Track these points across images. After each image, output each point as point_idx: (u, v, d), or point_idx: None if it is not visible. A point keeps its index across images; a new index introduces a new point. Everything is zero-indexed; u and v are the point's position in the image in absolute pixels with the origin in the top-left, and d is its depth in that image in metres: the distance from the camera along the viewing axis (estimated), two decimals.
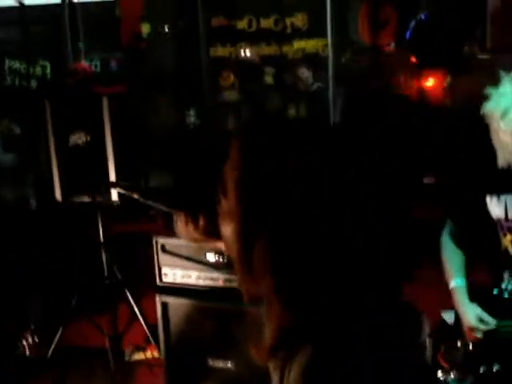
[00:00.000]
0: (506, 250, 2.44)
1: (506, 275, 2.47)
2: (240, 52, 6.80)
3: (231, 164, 1.08)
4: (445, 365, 2.53)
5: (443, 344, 2.58)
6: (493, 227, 2.46)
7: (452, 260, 2.60)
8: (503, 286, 2.48)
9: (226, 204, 1.08)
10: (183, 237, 1.68)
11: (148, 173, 4.39)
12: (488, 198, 2.43)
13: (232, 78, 6.83)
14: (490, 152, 2.35)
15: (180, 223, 1.62)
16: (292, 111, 6.73)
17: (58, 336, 3.91)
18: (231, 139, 1.12)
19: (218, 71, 6.76)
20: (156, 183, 5.32)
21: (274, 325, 1.08)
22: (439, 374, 2.55)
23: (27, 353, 2.89)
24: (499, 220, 2.42)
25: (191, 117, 6.36)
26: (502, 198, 2.39)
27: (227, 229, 1.10)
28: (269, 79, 6.76)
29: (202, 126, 6.24)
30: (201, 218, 1.50)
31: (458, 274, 2.54)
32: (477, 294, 2.51)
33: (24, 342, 2.68)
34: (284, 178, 1.02)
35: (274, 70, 6.76)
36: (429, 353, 2.66)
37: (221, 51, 6.77)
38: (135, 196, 1.83)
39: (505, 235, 2.43)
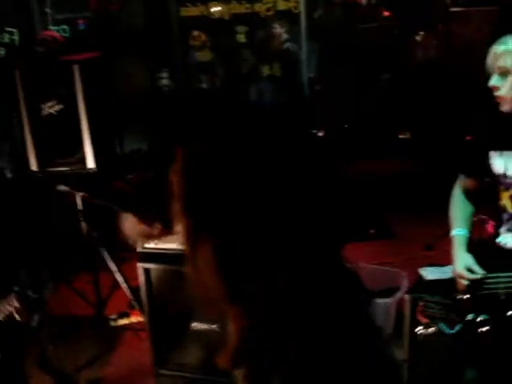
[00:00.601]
0: (504, 206, 2.50)
1: (502, 230, 2.53)
2: (211, 11, 6.70)
3: (176, 172, 1.13)
4: (424, 320, 2.59)
5: (421, 300, 2.63)
6: (494, 183, 2.52)
7: (459, 210, 2.64)
8: (499, 239, 2.54)
9: (176, 206, 1.10)
10: (129, 234, 1.70)
11: (123, 138, 4.36)
12: (491, 153, 2.48)
13: (203, 37, 6.74)
14: (489, 109, 2.40)
15: (128, 222, 1.64)
16: (266, 69, 6.69)
17: (44, 302, 3.94)
18: (176, 148, 1.15)
19: (189, 31, 6.66)
20: (131, 148, 5.29)
21: (236, 327, 1.12)
22: (419, 328, 2.62)
23: (17, 317, 2.88)
24: (499, 176, 2.47)
25: (164, 79, 6.29)
26: (504, 154, 2.44)
27: (180, 227, 1.15)
28: (241, 38, 6.68)
29: (175, 87, 6.17)
30: (156, 222, 1.51)
31: (461, 224, 2.59)
32: (474, 245, 2.56)
33: (9, 307, 2.69)
34: (220, 182, 1.07)
35: (246, 28, 6.68)
36: (408, 309, 2.73)
37: (192, 11, 6.66)
38: (81, 196, 1.84)
39: (503, 191, 2.48)
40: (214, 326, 3.28)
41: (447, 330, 2.52)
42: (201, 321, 3.32)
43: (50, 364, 3.66)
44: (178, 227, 1.15)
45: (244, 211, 1.02)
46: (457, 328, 2.48)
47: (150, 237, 1.66)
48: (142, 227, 1.55)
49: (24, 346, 2.99)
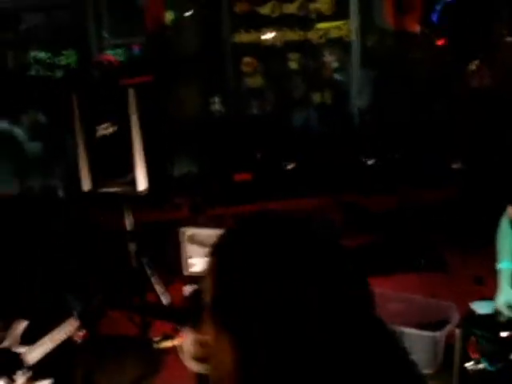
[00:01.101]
0: None
1: None
2: (263, 38, 6.76)
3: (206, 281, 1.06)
4: (475, 355, 2.52)
5: (473, 334, 2.56)
6: None
7: (507, 242, 2.58)
8: None
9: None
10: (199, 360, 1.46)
11: (174, 162, 4.41)
12: None
13: (255, 63, 6.80)
14: None
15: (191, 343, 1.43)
16: (316, 97, 6.70)
17: (96, 324, 3.97)
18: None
19: (242, 57, 6.74)
20: (182, 172, 5.34)
21: None
22: (469, 364, 2.54)
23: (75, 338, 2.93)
24: None
25: (216, 104, 6.36)
26: None
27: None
28: (293, 65, 6.72)
29: (227, 113, 6.23)
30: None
31: (508, 256, 2.52)
32: None
33: (70, 328, 2.76)
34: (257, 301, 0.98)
35: (298, 55, 6.72)
36: (458, 343, 2.65)
37: (244, 37, 6.74)
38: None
39: None
40: None
41: (489, 367, 2.44)
42: None
43: (92, 381, 3.69)
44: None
45: (276, 318, 0.98)
46: (499, 366, 2.40)
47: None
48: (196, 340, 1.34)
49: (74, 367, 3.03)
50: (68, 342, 2.75)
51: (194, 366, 1.44)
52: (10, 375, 2.75)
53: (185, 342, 1.46)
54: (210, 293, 1.04)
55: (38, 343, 2.70)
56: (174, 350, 4.11)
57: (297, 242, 1.02)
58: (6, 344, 2.77)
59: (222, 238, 1.07)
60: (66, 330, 2.64)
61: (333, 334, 0.97)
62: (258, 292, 0.97)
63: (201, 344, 1.15)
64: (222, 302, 1.01)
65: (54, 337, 2.68)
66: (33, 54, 6.35)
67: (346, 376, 0.97)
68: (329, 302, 0.97)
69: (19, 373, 2.74)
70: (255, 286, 0.98)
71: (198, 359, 1.30)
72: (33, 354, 2.71)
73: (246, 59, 6.77)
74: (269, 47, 6.75)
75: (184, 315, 1.43)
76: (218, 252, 1.06)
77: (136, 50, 6.43)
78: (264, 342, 0.96)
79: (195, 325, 1.31)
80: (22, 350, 2.74)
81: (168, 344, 4.17)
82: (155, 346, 4.16)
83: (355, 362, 0.98)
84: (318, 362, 0.96)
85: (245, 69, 6.75)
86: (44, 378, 2.73)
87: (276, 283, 0.97)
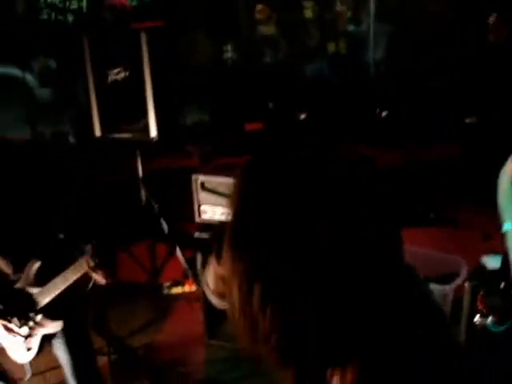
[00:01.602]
0: None
1: None
2: None
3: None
4: (483, 309, 2.52)
5: (482, 288, 2.56)
6: None
7: (508, 202, 2.53)
8: None
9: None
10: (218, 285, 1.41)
11: (185, 108, 4.37)
12: None
13: (268, 11, 6.67)
14: None
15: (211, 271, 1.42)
16: (331, 47, 6.58)
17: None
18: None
19: (255, 4, 6.61)
20: (193, 120, 5.31)
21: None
22: (477, 318, 2.55)
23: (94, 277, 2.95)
24: None
25: (228, 52, 6.27)
26: None
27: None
28: (308, 13, 6.58)
29: (239, 61, 6.14)
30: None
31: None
32: None
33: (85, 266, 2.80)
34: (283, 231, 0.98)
35: (312, 3, 6.58)
36: (467, 297, 2.66)
37: None
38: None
39: None
40: None
41: (493, 329, 2.45)
42: None
43: (104, 326, 3.75)
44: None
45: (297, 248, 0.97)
46: (506, 324, 2.41)
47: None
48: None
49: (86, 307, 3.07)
50: (80, 285, 2.77)
51: (216, 302, 1.44)
52: (22, 315, 2.79)
53: (208, 276, 1.45)
54: (230, 221, 1.03)
55: (50, 284, 2.72)
56: (183, 295, 4.18)
57: (316, 177, 1.02)
58: (19, 285, 2.80)
59: (246, 166, 1.07)
60: (77, 271, 2.66)
61: (340, 271, 0.97)
62: (271, 221, 0.97)
63: (222, 279, 1.16)
64: (239, 229, 1.01)
65: (66, 278, 2.70)
66: None
67: (346, 311, 0.98)
68: (339, 239, 0.97)
69: (31, 313, 2.78)
70: (270, 215, 0.98)
71: (219, 295, 1.32)
72: (45, 295, 2.74)
73: (260, 6, 6.64)
74: None
75: (209, 246, 1.40)
76: (240, 179, 1.05)
77: None
78: (273, 273, 0.96)
79: (219, 257, 1.32)
80: (34, 290, 2.77)
81: (178, 290, 4.22)
82: (165, 291, 4.22)
83: (360, 298, 0.98)
84: (325, 295, 0.97)
85: (258, 16, 6.62)
86: (55, 319, 2.76)
87: (290, 215, 0.97)
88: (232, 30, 6.38)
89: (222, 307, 1.37)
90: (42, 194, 2.86)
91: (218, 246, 1.16)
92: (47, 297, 2.74)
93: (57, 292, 2.72)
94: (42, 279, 2.76)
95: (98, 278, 2.67)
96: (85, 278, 2.73)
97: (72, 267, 2.66)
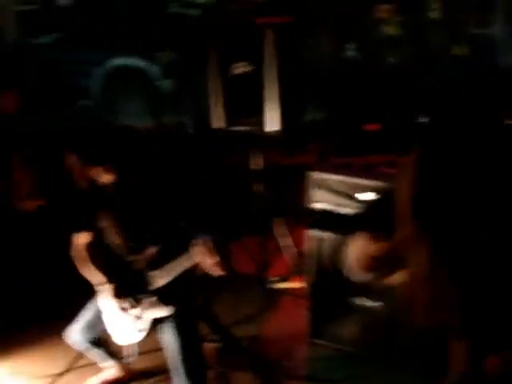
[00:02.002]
0: None
1: None
2: None
3: (406, 176, 1.21)
4: None
5: None
6: None
7: None
8: None
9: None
10: (362, 265, 1.50)
11: (305, 106, 4.37)
12: None
13: (393, 11, 6.54)
14: None
15: (356, 248, 1.47)
16: (456, 50, 6.36)
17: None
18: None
19: (379, 4, 6.50)
20: (311, 117, 5.30)
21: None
22: None
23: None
24: None
25: (351, 50, 6.21)
26: None
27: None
28: (434, 14, 6.39)
29: (361, 60, 6.07)
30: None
31: None
32: None
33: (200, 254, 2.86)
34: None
35: (439, 5, 6.38)
36: None
37: None
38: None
39: None
40: (377, 304, 3.21)
41: None
42: (364, 296, 3.26)
43: (210, 314, 3.83)
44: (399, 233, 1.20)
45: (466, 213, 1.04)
46: None
47: (384, 265, 1.46)
48: (374, 249, 1.41)
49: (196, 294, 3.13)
50: (193, 272, 2.83)
51: (360, 276, 1.51)
52: (136, 297, 2.89)
53: (351, 252, 1.51)
54: (409, 198, 1.16)
55: (166, 268, 2.79)
56: (289, 291, 4.18)
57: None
58: (136, 266, 2.90)
59: (423, 151, 1.25)
60: (193, 258, 2.72)
61: None
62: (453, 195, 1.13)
63: (377, 252, 1.27)
64: (423, 203, 1.15)
65: (181, 264, 2.76)
66: None
67: None
68: None
69: (145, 295, 2.87)
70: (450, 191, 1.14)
71: (366, 269, 1.40)
72: (160, 279, 2.82)
73: (384, 6, 6.53)
74: None
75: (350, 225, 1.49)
76: (420, 162, 1.24)
77: None
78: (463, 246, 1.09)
79: (376, 232, 1.39)
80: (150, 273, 2.86)
81: (284, 285, 4.23)
82: (271, 285, 4.24)
83: None
84: None
85: (382, 16, 6.51)
86: (167, 304, 2.84)
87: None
88: (355, 29, 6.31)
89: (365, 279, 1.45)
90: (165, 181, 2.94)
91: (376, 224, 1.28)
92: (162, 280, 2.83)
93: (171, 276, 2.79)
94: (158, 263, 2.84)
95: (213, 268, 2.69)
96: (198, 267, 2.77)
97: (188, 254, 2.71)
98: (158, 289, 2.86)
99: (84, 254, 3.02)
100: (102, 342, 3.18)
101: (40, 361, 3.66)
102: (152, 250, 2.86)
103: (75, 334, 3.10)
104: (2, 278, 4.05)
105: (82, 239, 3.02)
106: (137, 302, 2.90)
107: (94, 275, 2.99)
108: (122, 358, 3.28)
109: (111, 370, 3.33)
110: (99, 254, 3.02)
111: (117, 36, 6.83)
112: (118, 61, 7.35)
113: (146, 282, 2.88)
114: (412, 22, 6.47)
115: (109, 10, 6.97)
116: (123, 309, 2.93)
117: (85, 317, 3.10)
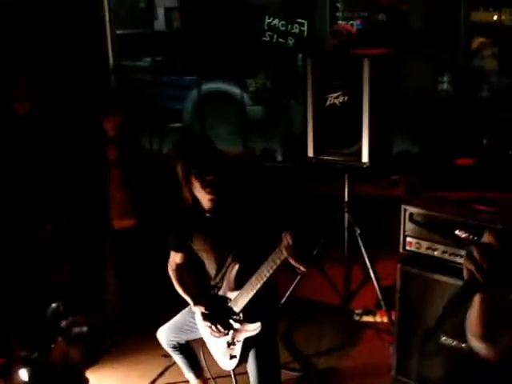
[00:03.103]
0: None
1: None
2: (503, 17, 6.32)
3: None
4: None
5: None
6: None
7: None
8: None
9: None
10: None
11: (394, 137, 4.33)
12: None
13: (489, 44, 6.41)
14: None
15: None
16: None
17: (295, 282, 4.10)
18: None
19: (476, 36, 6.38)
20: (401, 149, 5.26)
21: None
22: None
23: None
24: None
25: (444, 83, 6.12)
26: None
27: None
28: None
29: (454, 93, 5.96)
30: None
31: None
32: None
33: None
34: None
35: None
36: None
37: (483, 16, 6.35)
38: None
39: None
40: (464, 345, 3.11)
41: None
42: (450, 336, 3.17)
43: (291, 342, 3.82)
44: None
45: None
46: None
47: None
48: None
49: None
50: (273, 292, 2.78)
51: (480, 347, 1.41)
52: (225, 322, 2.90)
53: (473, 317, 1.42)
54: None
55: (247, 285, 2.75)
56: (373, 325, 4.12)
57: None
58: (221, 291, 2.93)
59: None
60: (271, 265, 2.62)
61: None
62: None
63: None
64: None
65: (260, 275, 2.65)
66: (268, 20, 6.55)
67: None
68: None
69: (233, 319, 2.87)
70: None
71: (485, 338, 1.31)
72: (243, 298, 2.79)
73: (480, 39, 6.40)
74: (507, 28, 6.30)
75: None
76: None
77: (358, 24, 6.39)
78: None
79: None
80: (234, 294, 2.85)
81: (369, 319, 4.17)
82: (356, 318, 4.19)
83: None
84: None
85: (477, 49, 6.39)
86: (253, 321, 2.79)
87: None
88: (450, 61, 6.22)
89: (485, 353, 1.35)
90: (246, 202, 2.93)
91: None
92: (245, 298, 2.78)
93: (253, 292, 2.72)
94: (240, 282, 2.82)
95: (298, 262, 2.46)
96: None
97: (266, 262, 2.61)
98: (244, 307, 2.82)
99: (174, 273, 3.09)
100: (188, 351, 3.21)
101: (122, 378, 3.77)
102: (234, 270, 2.86)
103: (161, 332, 3.16)
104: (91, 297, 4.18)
105: (174, 258, 3.09)
106: (227, 327, 2.90)
107: (184, 296, 3.05)
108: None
109: (191, 382, 3.36)
110: (187, 276, 3.09)
111: (211, 62, 7.02)
112: (211, 85, 7.55)
113: (232, 304, 2.89)
114: (507, 54, 6.31)
115: (205, 36, 7.18)
116: (214, 335, 2.94)
117: (175, 319, 3.16)
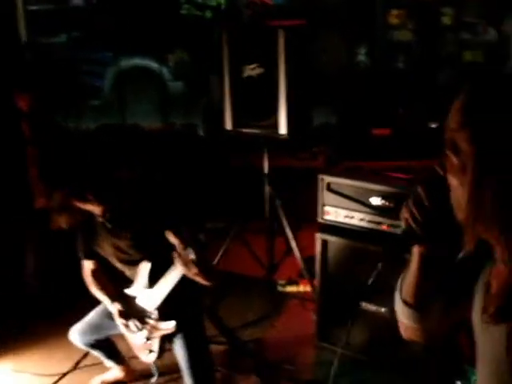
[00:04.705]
0: None
1: None
2: None
3: (456, 124, 1.09)
4: None
5: None
6: None
7: None
8: None
9: (457, 159, 1.10)
10: None
11: (314, 109, 4.36)
12: None
13: (405, 16, 6.52)
14: None
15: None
16: (467, 56, 6.33)
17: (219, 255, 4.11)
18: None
19: (391, 9, 6.48)
20: (321, 121, 5.31)
21: (501, 283, 1.08)
22: None
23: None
24: None
25: (361, 55, 6.20)
26: None
27: (454, 181, 1.13)
28: (446, 20, 6.36)
29: (371, 65, 6.06)
30: None
31: None
32: None
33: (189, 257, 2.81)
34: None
35: (452, 10, 6.35)
36: None
37: None
38: None
39: None
40: (383, 310, 3.20)
41: None
42: (371, 301, 3.25)
43: (217, 316, 3.82)
44: (453, 181, 1.14)
45: None
46: None
47: None
48: None
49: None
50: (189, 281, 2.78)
51: (404, 312, 1.43)
52: (139, 319, 2.89)
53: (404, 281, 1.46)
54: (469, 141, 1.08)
55: (158, 286, 2.78)
56: (297, 295, 4.18)
57: None
58: (134, 289, 2.91)
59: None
60: (177, 273, 2.67)
61: None
62: None
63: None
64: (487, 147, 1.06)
65: (168, 280, 2.73)
66: None
67: None
68: None
69: (146, 317, 2.86)
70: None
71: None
72: (156, 297, 2.81)
73: (396, 11, 6.51)
74: (422, 0, 6.43)
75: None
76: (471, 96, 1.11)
77: None
78: None
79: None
80: (147, 293, 2.85)
81: (292, 289, 4.23)
82: (280, 289, 4.24)
83: None
84: None
85: (394, 21, 6.49)
86: (169, 319, 2.80)
87: None
88: (367, 34, 6.31)
89: (408, 321, 1.38)
90: (169, 178, 2.91)
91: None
92: (158, 299, 2.81)
93: (165, 293, 2.76)
94: (153, 280, 2.82)
95: (197, 277, 2.60)
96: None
97: (172, 269, 2.68)
98: (159, 306, 2.84)
99: (89, 279, 3.06)
100: (107, 344, 3.20)
101: (45, 359, 3.68)
102: (145, 269, 2.84)
103: (75, 333, 3.11)
104: (9, 277, 4.06)
105: (87, 266, 3.06)
106: (142, 324, 2.89)
107: (101, 298, 3.02)
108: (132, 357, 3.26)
109: (114, 370, 3.34)
110: (103, 279, 3.05)
111: (129, 37, 6.85)
112: (130, 61, 7.39)
113: (145, 302, 2.88)
114: (424, 27, 6.44)
115: (122, 10, 7.00)
116: (131, 331, 2.93)
117: (89, 319, 3.12)
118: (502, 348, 1.12)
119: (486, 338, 1.18)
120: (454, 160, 1.11)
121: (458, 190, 1.12)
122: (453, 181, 1.14)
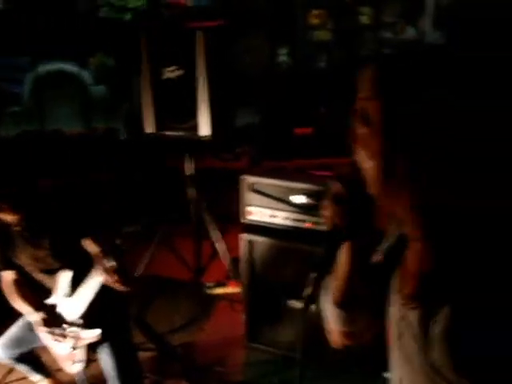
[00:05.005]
0: None
1: None
2: None
3: (366, 94, 1.09)
4: None
5: None
6: None
7: None
8: None
9: (367, 129, 1.08)
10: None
11: (236, 110, 4.37)
12: None
13: (324, 16, 6.63)
14: None
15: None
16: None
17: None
18: (361, 69, 1.10)
19: (311, 9, 6.57)
20: (243, 122, 5.31)
21: (415, 270, 1.10)
22: None
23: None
24: None
25: (283, 55, 6.25)
26: None
27: (363, 153, 1.12)
28: (364, 20, 6.51)
29: (293, 65, 6.12)
30: None
31: None
32: None
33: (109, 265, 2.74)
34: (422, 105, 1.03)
35: (370, 9, 6.51)
36: None
37: None
38: None
39: None
40: (311, 307, 3.23)
41: None
42: (297, 299, 3.27)
43: (144, 322, 3.77)
44: (360, 154, 1.13)
45: None
46: None
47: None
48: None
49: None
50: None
51: (336, 315, 1.43)
52: (63, 329, 2.80)
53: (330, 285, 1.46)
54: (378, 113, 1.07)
55: (78, 294, 2.70)
56: (225, 296, 4.17)
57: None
58: (56, 298, 2.82)
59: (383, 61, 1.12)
60: (95, 280, 2.62)
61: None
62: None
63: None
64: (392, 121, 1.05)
65: (88, 287, 2.67)
66: None
67: None
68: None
69: (69, 326, 2.78)
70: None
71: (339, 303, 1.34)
72: (77, 306, 2.73)
73: (316, 12, 6.61)
74: (341, 0, 6.56)
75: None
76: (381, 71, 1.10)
77: None
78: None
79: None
80: (69, 302, 2.76)
81: (220, 291, 4.22)
82: (208, 291, 4.22)
83: None
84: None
85: (314, 21, 6.59)
86: (92, 328, 2.74)
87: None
88: (288, 34, 6.37)
89: (336, 325, 1.38)
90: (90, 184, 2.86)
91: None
92: (81, 307, 2.73)
93: (87, 301, 2.69)
94: (75, 288, 2.74)
95: (115, 285, 2.56)
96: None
97: (91, 276, 2.62)
98: (83, 315, 2.75)
99: (10, 289, 2.94)
100: (31, 356, 3.09)
101: None
102: (66, 277, 2.77)
103: None
104: None
105: (6, 277, 2.93)
106: (66, 334, 2.80)
107: (23, 308, 2.91)
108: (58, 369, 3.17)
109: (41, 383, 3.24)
110: (25, 289, 2.92)
111: (47, 41, 6.67)
112: (49, 66, 7.18)
113: (67, 312, 2.80)
114: (343, 26, 6.57)
115: (39, 13, 6.80)
116: (56, 341, 2.84)
117: (11, 333, 3.00)
118: (415, 332, 1.14)
119: (400, 326, 1.19)
120: (364, 130, 1.09)
121: (367, 162, 1.11)
122: (361, 153, 1.12)
